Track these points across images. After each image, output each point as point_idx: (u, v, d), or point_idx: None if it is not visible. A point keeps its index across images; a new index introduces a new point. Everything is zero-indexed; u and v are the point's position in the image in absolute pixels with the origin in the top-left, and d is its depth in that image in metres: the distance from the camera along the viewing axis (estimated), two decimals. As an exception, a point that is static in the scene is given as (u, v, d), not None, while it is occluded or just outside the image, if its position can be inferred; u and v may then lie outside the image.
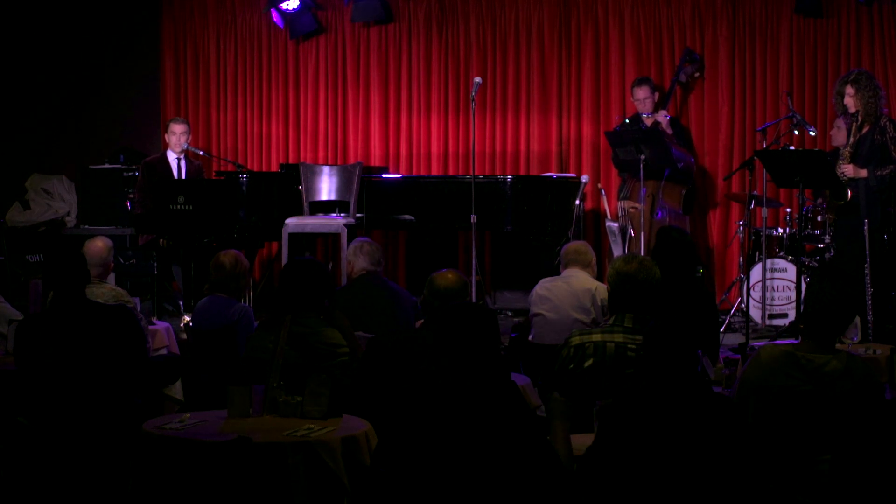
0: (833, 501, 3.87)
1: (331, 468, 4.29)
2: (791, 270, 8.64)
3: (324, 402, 4.57)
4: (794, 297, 8.44)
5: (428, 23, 10.69)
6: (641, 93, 9.62)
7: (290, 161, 10.94)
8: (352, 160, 10.54)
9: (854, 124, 8.06)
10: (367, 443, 4.41)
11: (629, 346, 4.66)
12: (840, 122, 8.28)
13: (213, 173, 10.43)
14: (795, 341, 4.40)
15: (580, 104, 10.37)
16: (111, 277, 7.01)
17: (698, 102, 10.08)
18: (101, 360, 5.05)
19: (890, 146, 7.98)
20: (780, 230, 8.95)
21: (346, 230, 9.05)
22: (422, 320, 5.81)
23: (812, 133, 9.05)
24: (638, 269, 4.83)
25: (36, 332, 5.14)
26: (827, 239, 8.60)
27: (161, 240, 9.33)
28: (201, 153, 10.20)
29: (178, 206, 9.08)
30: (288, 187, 9.55)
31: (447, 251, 10.25)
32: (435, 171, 10.65)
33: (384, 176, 9.98)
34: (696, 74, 9.99)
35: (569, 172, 10.16)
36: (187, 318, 6.62)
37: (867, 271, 7.71)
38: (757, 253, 8.83)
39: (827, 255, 8.58)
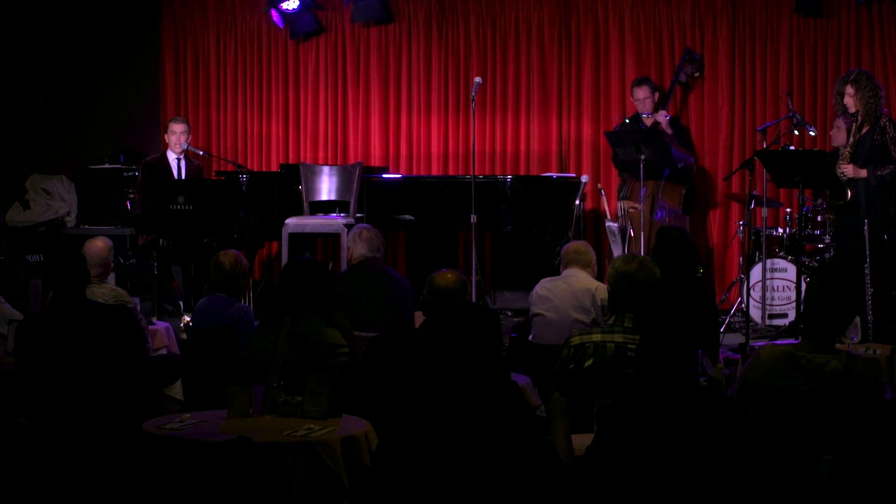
0: (833, 501, 3.87)
1: (331, 468, 4.29)
2: (791, 270, 8.64)
3: (324, 402, 4.57)
4: (794, 297, 8.44)
5: (428, 23, 10.69)
6: (641, 93, 9.62)
7: (290, 161, 10.94)
8: (352, 160, 10.54)
9: (854, 124, 8.06)
10: (367, 443, 4.41)
11: (629, 346, 4.66)
12: (840, 123, 8.28)
13: (213, 173, 10.43)
14: (795, 341, 4.40)
15: (580, 104, 10.37)
16: (111, 277, 7.01)
17: (698, 102, 10.08)
18: (101, 360, 5.05)
19: (890, 146, 7.98)
20: (780, 230, 8.95)
21: (346, 230, 9.04)
22: (422, 319, 5.79)
23: (812, 133, 9.05)
24: (638, 269, 4.83)
25: (36, 332, 5.14)
26: (827, 239, 8.60)
27: (161, 240, 9.32)
28: (201, 153, 10.20)
29: (178, 206, 9.08)
30: (288, 187, 9.55)
31: (447, 251, 10.25)
32: (435, 171, 10.65)
33: (384, 176, 9.99)
34: (696, 74, 9.99)
35: (569, 172, 10.16)
36: (187, 318, 6.62)
37: (867, 271, 7.71)
38: (757, 253, 8.83)
39: (827, 255, 8.58)
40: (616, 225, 9.19)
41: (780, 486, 4.07)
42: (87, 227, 10.52)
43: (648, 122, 9.58)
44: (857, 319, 6.48)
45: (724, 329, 8.52)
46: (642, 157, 8.71)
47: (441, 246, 10.21)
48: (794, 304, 8.46)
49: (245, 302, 6.54)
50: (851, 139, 8.07)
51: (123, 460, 4.73)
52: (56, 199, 10.94)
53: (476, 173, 8.99)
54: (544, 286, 6.50)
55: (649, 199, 9.08)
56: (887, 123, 8.03)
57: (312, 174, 9.48)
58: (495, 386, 3.82)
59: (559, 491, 3.73)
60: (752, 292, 8.74)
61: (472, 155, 9.07)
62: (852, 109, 8.08)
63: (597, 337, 4.80)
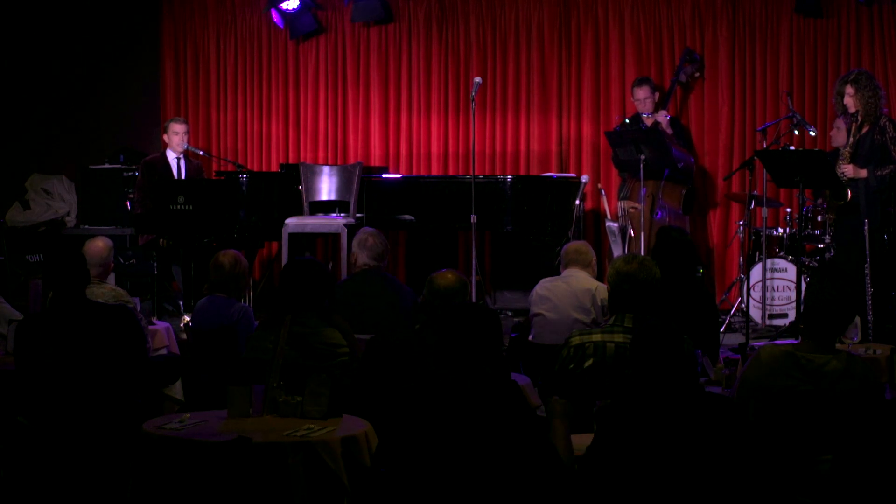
0: (833, 501, 3.87)
1: (331, 468, 4.29)
2: (791, 270, 8.64)
3: (324, 402, 4.57)
4: (794, 297, 8.44)
5: (428, 23, 10.69)
6: (642, 93, 9.62)
7: (290, 161, 10.94)
8: (352, 160, 10.54)
9: (854, 124, 8.06)
10: (367, 443, 4.41)
11: (629, 346, 4.65)
12: (840, 123, 8.28)
13: (213, 173, 10.43)
14: (795, 341, 4.39)
15: (580, 104, 10.37)
16: (111, 277, 7.01)
17: (698, 102, 10.08)
18: (101, 360, 5.05)
19: (890, 146, 7.98)
20: (780, 230, 8.95)
21: (346, 230, 9.04)
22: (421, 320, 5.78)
23: (812, 133, 9.05)
24: (638, 269, 4.83)
25: (36, 332, 5.14)
26: (827, 239, 8.60)
27: (161, 240, 9.32)
28: (201, 153, 10.20)
29: (178, 206, 9.08)
30: (288, 187, 9.55)
31: (447, 251, 10.25)
32: (435, 171, 10.65)
33: (384, 176, 9.98)
34: (696, 74, 9.99)
35: (569, 172, 10.16)
36: (187, 318, 6.62)
37: (867, 271, 7.71)
38: (757, 253, 8.83)
39: (827, 255, 8.58)
40: (616, 225, 9.19)
41: (780, 486, 4.07)
42: (87, 227, 10.52)
43: (649, 122, 9.58)
44: (857, 319, 6.48)
45: (724, 329, 8.52)
46: (642, 157, 8.71)
47: (441, 246, 10.21)
48: (794, 304, 8.46)
49: (245, 302, 6.53)
50: (851, 139, 8.07)
51: (123, 460, 4.73)
52: (56, 199, 10.94)
53: (476, 173, 8.99)
54: (544, 286, 6.50)
55: (649, 199, 9.08)
56: (887, 123, 8.03)
57: (312, 174, 9.48)
58: (495, 386, 3.83)
59: (559, 491, 3.73)
60: (752, 292, 8.74)
61: (472, 155, 9.07)
62: (852, 109, 8.08)
63: (597, 337, 4.80)
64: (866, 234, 7.77)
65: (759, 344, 7.05)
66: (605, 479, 3.73)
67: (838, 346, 4.36)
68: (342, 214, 9.35)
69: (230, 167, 10.35)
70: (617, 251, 9.09)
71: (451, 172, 10.59)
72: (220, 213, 9.23)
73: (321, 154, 11.00)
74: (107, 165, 10.82)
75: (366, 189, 9.43)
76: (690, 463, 3.65)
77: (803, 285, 7.94)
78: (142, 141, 11.23)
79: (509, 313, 9.69)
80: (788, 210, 9.02)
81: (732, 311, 8.97)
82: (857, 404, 4.09)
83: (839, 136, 8.28)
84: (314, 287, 5.04)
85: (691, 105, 10.10)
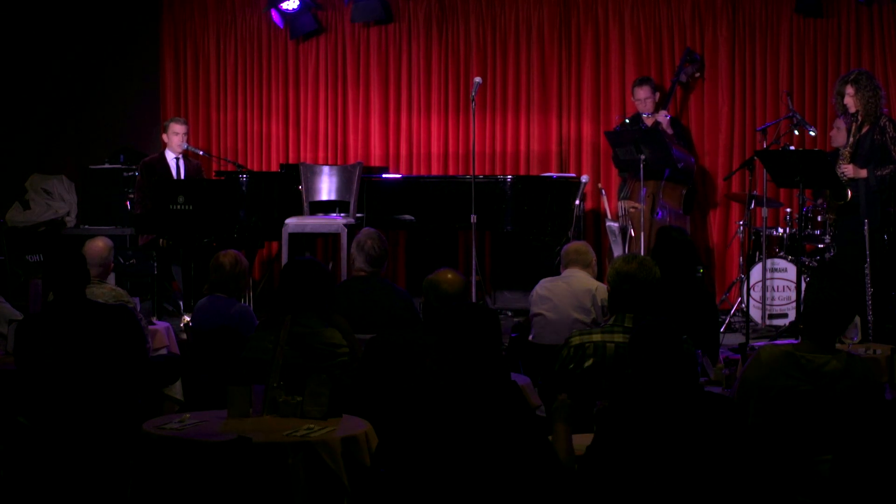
0: (833, 501, 3.87)
1: (331, 468, 4.29)
2: (791, 270, 8.64)
3: (324, 402, 4.57)
4: (794, 297, 8.44)
5: (428, 23, 10.69)
6: (642, 93, 9.63)
7: (290, 161, 10.94)
8: (352, 160, 10.54)
9: (854, 124, 8.06)
10: (367, 443, 4.41)
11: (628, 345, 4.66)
12: (840, 123, 8.28)
13: (213, 173, 10.43)
14: (795, 341, 4.39)
15: (580, 104, 10.37)
16: (111, 277, 7.01)
17: (698, 102, 10.09)
18: (101, 360, 5.05)
19: (890, 146, 7.98)
20: (780, 230, 8.95)
21: (346, 230, 9.05)
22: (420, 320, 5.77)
23: (812, 133, 9.05)
24: (638, 268, 4.83)
25: (36, 332, 5.14)
26: (827, 239, 8.60)
27: (161, 240, 9.32)
28: (201, 153, 10.20)
29: (178, 206, 9.08)
30: (288, 187, 9.55)
31: (447, 251, 10.25)
32: (435, 171, 10.65)
33: (384, 176, 9.98)
34: (697, 74, 9.99)
35: (569, 172, 10.16)
36: (187, 318, 6.61)
37: (867, 271, 7.71)
38: (757, 253, 8.83)
39: (827, 255, 8.58)
40: (617, 225, 9.19)
41: (780, 486, 4.07)
42: (87, 227, 10.52)
43: (649, 122, 9.58)
44: (857, 319, 6.48)
45: (724, 329, 8.52)
46: (642, 157, 8.71)
47: (441, 246, 10.21)
48: (794, 304, 8.46)
49: (245, 302, 6.53)
50: (851, 139, 8.08)
51: (123, 460, 4.73)
52: (56, 199, 10.94)
53: (476, 173, 8.99)
54: (544, 286, 6.50)
55: (650, 199, 9.08)
56: (887, 123, 8.03)
57: (312, 174, 9.48)
58: (495, 386, 3.82)
59: (559, 491, 3.73)
60: (752, 292, 8.74)
61: (472, 155, 9.07)
62: (852, 109, 8.08)
63: (597, 337, 4.80)
64: (866, 234, 7.77)
65: (759, 344, 7.05)
66: (605, 480, 3.73)
67: (838, 346, 4.36)
68: (342, 214, 9.35)
69: (230, 167, 10.35)
70: (617, 251, 9.09)
71: (451, 172, 10.59)
72: (220, 213, 9.23)
73: (321, 154, 11.00)
74: (107, 165, 10.82)
75: (366, 189, 9.43)
76: (690, 463, 3.65)
77: (803, 285, 7.94)
78: (142, 141, 11.24)
79: (509, 313, 9.69)
80: (788, 210, 9.02)
81: (732, 311, 8.97)
82: (857, 404, 4.08)
83: (839, 136, 8.28)
84: (314, 287, 5.04)
85: (691, 105, 10.10)
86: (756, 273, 8.76)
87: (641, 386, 3.80)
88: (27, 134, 11.35)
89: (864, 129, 8.07)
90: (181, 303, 9.23)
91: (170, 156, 9.63)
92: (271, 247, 10.65)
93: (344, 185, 9.40)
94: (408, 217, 9.48)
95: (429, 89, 10.71)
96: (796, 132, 9.00)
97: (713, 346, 5.77)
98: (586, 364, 4.75)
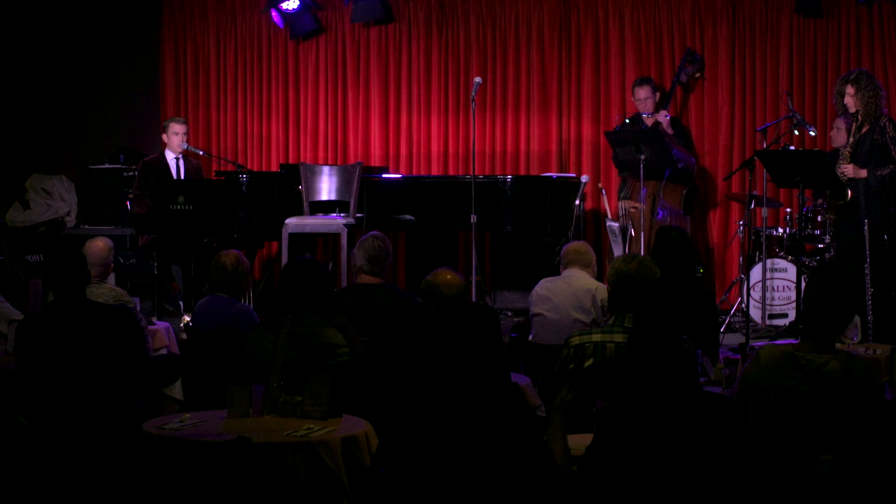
0: (833, 501, 3.87)
1: (331, 468, 4.29)
2: (791, 270, 8.64)
3: (324, 402, 4.57)
4: (794, 297, 8.44)
5: (428, 23, 10.69)
6: (642, 93, 9.63)
7: (290, 161, 10.94)
8: (352, 160, 10.54)
9: (854, 124, 8.07)
10: (367, 443, 4.41)
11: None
12: (840, 123, 8.28)
13: (213, 173, 10.43)
14: (795, 341, 4.39)
15: (580, 104, 10.37)
16: (111, 277, 7.01)
17: (698, 102, 10.09)
18: (101, 360, 5.05)
19: (890, 146, 7.98)
20: (780, 230, 8.94)
21: (346, 230, 9.05)
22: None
23: (812, 133, 9.05)
24: (638, 269, 4.83)
25: (36, 332, 5.14)
26: (827, 239, 8.60)
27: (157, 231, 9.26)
28: (201, 153, 10.20)
29: (178, 206, 9.08)
30: (288, 187, 9.55)
31: (447, 251, 10.25)
32: (435, 171, 10.65)
33: (384, 176, 9.99)
34: (697, 74, 9.99)
35: (569, 172, 10.17)
36: (187, 318, 6.62)
37: (867, 271, 7.72)
38: (757, 253, 8.83)
39: (827, 255, 8.58)
40: (617, 224, 9.19)
41: (780, 486, 4.07)
42: (87, 227, 10.52)
43: (649, 122, 9.58)
44: (857, 319, 6.48)
45: (724, 329, 8.52)
46: (642, 157, 8.71)
47: (441, 246, 10.20)
48: (794, 304, 8.46)
49: (245, 302, 6.53)
50: (851, 139, 8.08)
51: (123, 460, 4.73)
52: (56, 199, 10.94)
53: (476, 173, 8.99)
54: (544, 286, 6.50)
55: (650, 199, 9.08)
56: (887, 123, 8.03)
57: (312, 174, 9.48)
58: (496, 386, 3.82)
59: (557, 492, 3.73)
60: (752, 292, 8.74)
61: (472, 155, 9.07)
62: (852, 109, 8.08)
63: (597, 337, 4.80)
64: (866, 234, 7.78)
65: (759, 344, 7.05)
66: (605, 480, 3.73)
67: (838, 346, 4.36)
68: (342, 214, 9.35)
69: (230, 167, 10.35)
70: (617, 251, 9.09)
71: (451, 172, 10.59)
72: (220, 213, 9.23)
73: (321, 154, 11.00)
74: (107, 165, 10.82)
75: (366, 189, 9.43)
76: (690, 463, 3.65)
77: (803, 285, 7.94)
78: (142, 141, 11.24)
79: (509, 313, 9.69)
80: (788, 210, 9.02)
81: (732, 311, 8.97)
82: (857, 404, 4.08)
83: (839, 136, 8.28)
84: (314, 287, 5.04)
85: (691, 105, 10.10)
86: (756, 273, 8.76)
87: (640, 385, 3.80)
88: (27, 134, 11.35)
89: (864, 129, 8.07)
90: (181, 303, 9.23)
91: (170, 156, 9.63)
92: (271, 247, 10.65)
93: (344, 185, 9.40)
94: (408, 217, 9.48)
95: (429, 89, 10.71)
96: (796, 132, 9.00)
97: (713, 346, 5.77)
98: (586, 364, 4.75)
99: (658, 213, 9.09)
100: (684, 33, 10.08)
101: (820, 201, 8.67)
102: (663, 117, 9.55)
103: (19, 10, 11.18)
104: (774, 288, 8.79)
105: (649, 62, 10.13)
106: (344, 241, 9.00)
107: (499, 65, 10.55)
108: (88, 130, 11.45)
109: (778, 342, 5.52)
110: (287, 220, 9.18)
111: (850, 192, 8.02)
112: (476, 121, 9.21)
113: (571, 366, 4.78)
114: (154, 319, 7.71)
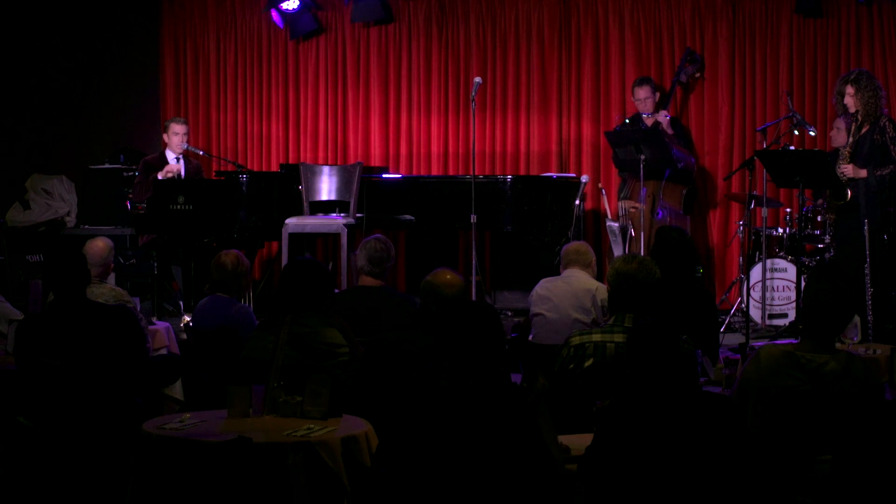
0: (833, 501, 3.87)
1: (331, 468, 4.29)
2: (791, 270, 8.64)
3: (324, 402, 4.57)
4: (794, 297, 8.44)
5: (428, 23, 10.69)
6: (642, 93, 9.63)
7: (290, 161, 10.94)
8: (352, 160, 10.54)
9: (854, 124, 8.07)
10: (367, 443, 4.41)
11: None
12: (840, 123, 8.28)
13: (213, 173, 10.43)
14: (795, 341, 4.39)
15: (580, 104, 10.37)
16: (111, 277, 7.02)
17: (698, 102, 10.09)
18: (101, 360, 5.05)
19: (890, 146, 7.99)
20: (780, 230, 8.95)
21: (346, 230, 9.05)
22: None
23: (812, 133, 9.05)
24: (638, 269, 4.83)
25: (36, 332, 5.14)
26: (827, 239, 8.60)
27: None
28: (201, 153, 10.20)
29: (178, 206, 9.08)
30: (288, 187, 9.55)
31: (447, 251, 10.25)
32: (435, 171, 10.65)
33: (384, 176, 9.99)
34: (697, 74, 9.99)
35: (569, 172, 10.17)
36: (187, 318, 6.62)
37: (867, 271, 7.72)
38: (757, 253, 8.83)
39: (827, 255, 8.58)
40: (617, 224, 9.19)
41: (780, 486, 4.07)
42: (87, 227, 10.52)
43: (649, 122, 9.58)
44: (857, 319, 6.48)
45: (724, 329, 8.52)
46: (642, 157, 8.71)
47: (441, 246, 10.21)
48: (794, 304, 8.46)
49: (245, 302, 6.53)
50: (851, 139, 8.08)
51: (123, 460, 4.73)
52: (56, 199, 10.94)
53: (476, 173, 8.99)
54: (544, 286, 6.50)
55: (650, 199, 9.08)
56: (887, 123, 8.04)
57: (312, 174, 9.48)
58: (495, 386, 3.82)
59: (554, 493, 3.73)
60: (752, 292, 8.74)
61: (472, 155, 9.07)
62: (852, 109, 8.09)
63: (597, 337, 4.80)
64: (866, 234, 7.78)
65: (759, 344, 7.05)
66: (605, 480, 3.73)
67: (838, 346, 4.36)
68: (342, 214, 9.35)
69: (230, 167, 10.35)
70: (617, 251, 9.09)
71: (451, 172, 10.59)
72: (220, 213, 9.23)
73: (321, 154, 11.00)
74: (107, 165, 10.82)
75: (366, 189, 9.43)
76: (690, 463, 3.65)
77: (803, 285, 7.94)
78: (142, 141, 11.24)
79: (509, 313, 9.69)
80: (788, 210, 9.02)
81: (732, 311, 8.97)
82: (857, 404, 4.08)
83: (839, 136, 8.29)
84: (314, 287, 5.04)
85: (691, 105, 10.10)
86: (756, 273, 8.76)
87: (640, 385, 3.80)
88: (27, 134, 11.35)
89: (864, 129, 8.07)
90: (181, 303, 9.23)
91: (170, 156, 9.63)
92: (271, 247, 10.65)
93: (344, 185, 9.40)
94: (408, 217, 9.48)
95: (429, 89, 10.71)
96: (796, 132, 9.00)
97: (713, 346, 5.77)
98: (586, 364, 4.75)
99: (658, 213, 9.09)
100: (684, 33, 10.07)
101: (820, 201, 8.67)
102: (663, 117, 9.55)
103: (19, 10, 11.17)
104: (774, 288, 8.79)
105: (649, 62, 10.13)
106: (344, 241, 8.99)
107: (499, 65, 10.55)
108: (88, 130, 11.45)
109: (778, 342, 5.52)
110: (287, 220, 9.18)
111: (850, 192, 8.02)
112: (476, 121, 9.21)
113: (571, 366, 4.78)
114: (154, 319, 7.71)
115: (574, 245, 6.72)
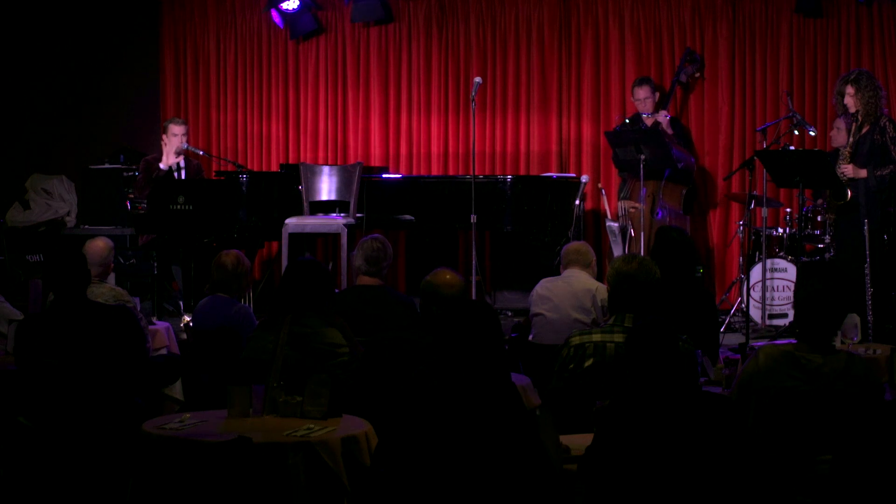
0: (833, 501, 3.87)
1: (331, 468, 4.29)
2: (791, 270, 8.64)
3: (324, 402, 4.57)
4: (793, 297, 8.43)
5: (428, 23, 10.69)
6: (642, 93, 9.62)
7: (290, 161, 10.94)
8: (352, 160, 10.54)
9: (854, 124, 8.07)
10: (367, 443, 4.41)
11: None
12: (840, 123, 8.28)
13: (213, 173, 10.43)
14: (795, 341, 4.39)
15: (580, 104, 10.37)
16: (111, 277, 7.01)
17: (698, 102, 10.09)
18: (101, 360, 5.05)
19: (890, 146, 7.99)
20: (780, 230, 8.94)
21: (346, 230, 9.05)
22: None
23: (812, 133, 9.05)
24: (638, 269, 4.83)
25: (36, 332, 5.14)
26: (827, 239, 8.60)
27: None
28: (201, 153, 10.20)
29: (178, 206, 9.08)
30: (288, 187, 9.55)
31: (447, 251, 10.25)
32: (435, 171, 10.65)
33: (384, 176, 9.99)
34: (697, 74, 9.99)
35: (569, 172, 10.17)
36: (187, 318, 6.62)
37: (867, 271, 7.72)
38: (757, 253, 8.83)
39: (827, 255, 8.58)
40: (617, 224, 9.19)
41: (780, 486, 4.07)
42: (87, 227, 10.52)
43: (649, 122, 9.58)
44: (857, 319, 6.48)
45: (724, 329, 8.52)
46: (642, 157, 8.71)
47: (441, 246, 10.20)
48: (793, 304, 8.45)
49: (245, 302, 6.53)
50: (851, 139, 8.08)
51: (123, 460, 4.73)
52: (56, 199, 10.94)
53: (476, 173, 8.99)
54: (544, 286, 6.50)
55: (650, 199, 9.08)
56: (887, 123, 8.04)
57: (312, 174, 9.48)
58: (495, 386, 3.82)
59: (553, 493, 3.73)
60: (752, 292, 8.74)
61: (472, 155, 9.07)
62: (852, 109, 8.09)
63: (597, 337, 4.80)
64: (866, 234, 7.78)
65: (759, 344, 7.05)
66: (605, 480, 3.73)
67: (838, 346, 4.36)
68: (342, 214, 9.35)
69: (230, 167, 10.35)
70: (617, 251, 9.09)
71: (451, 172, 10.59)
72: (220, 213, 9.23)
73: (321, 154, 11.00)
74: (107, 165, 10.82)
75: (366, 189, 9.43)
76: (690, 463, 3.65)
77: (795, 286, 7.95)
78: (142, 141, 11.23)
79: (509, 313, 9.69)
80: (788, 210, 9.02)
81: (732, 311, 8.97)
82: (857, 404, 4.09)
83: (839, 136, 8.29)
84: (315, 287, 5.04)
85: (691, 105, 10.10)
86: (756, 273, 8.76)
87: (639, 385, 3.80)
88: (27, 134, 11.35)
89: (864, 130, 8.07)
90: (181, 303, 9.23)
91: (163, 164, 9.61)
92: (271, 247, 10.65)
93: (344, 185, 9.40)
94: (408, 217, 9.48)
95: (429, 89, 10.71)
96: (796, 132, 9.00)
97: (713, 346, 5.77)
98: (586, 364, 4.75)
99: (658, 213, 9.09)
100: (684, 33, 10.07)
101: (820, 201, 8.67)
102: (663, 117, 9.55)
103: (19, 10, 11.17)
104: (774, 288, 8.79)
105: (649, 62, 10.13)
106: (344, 241, 8.99)
107: (499, 65, 10.55)
108: (88, 130, 11.45)
109: (778, 342, 5.52)
110: (287, 220, 9.18)
111: (849, 192, 8.02)
112: (476, 121, 9.21)
113: (571, 366, 4.79)
114: (154, 319, 7.70)
115: (574, 245, 6.72)
